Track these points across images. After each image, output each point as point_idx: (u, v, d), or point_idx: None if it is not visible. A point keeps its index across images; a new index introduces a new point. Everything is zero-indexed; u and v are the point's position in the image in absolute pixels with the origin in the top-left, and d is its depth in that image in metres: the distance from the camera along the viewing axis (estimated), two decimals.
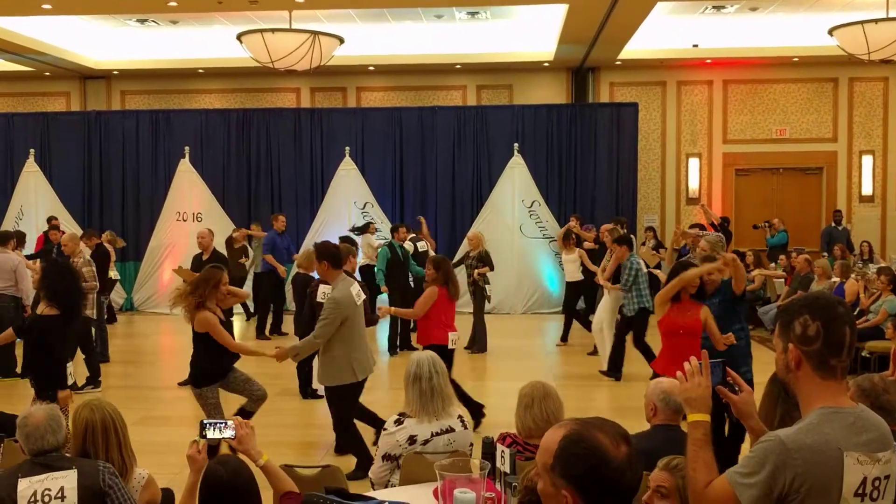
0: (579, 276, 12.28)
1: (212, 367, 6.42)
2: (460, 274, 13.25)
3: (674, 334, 6.18)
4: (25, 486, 3.39)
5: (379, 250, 11.93)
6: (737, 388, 2.71)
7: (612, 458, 1.92)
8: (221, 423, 3.42)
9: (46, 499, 3.37)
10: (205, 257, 9.95)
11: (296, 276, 9.74)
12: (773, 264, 14.71)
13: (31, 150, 16.34)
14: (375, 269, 11.74)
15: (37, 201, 16.10)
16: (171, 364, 11.56)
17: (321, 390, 7.78)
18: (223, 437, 3.42)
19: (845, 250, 14.24)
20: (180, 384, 9.54)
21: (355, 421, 6.54)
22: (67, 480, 3.42)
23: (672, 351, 6.12)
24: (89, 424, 3.64)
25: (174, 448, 7.20)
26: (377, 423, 6.51)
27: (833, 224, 16.60)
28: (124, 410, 8.46)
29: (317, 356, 6.67)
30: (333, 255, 6.38)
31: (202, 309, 6.28)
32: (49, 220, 14.52)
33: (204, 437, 3.40)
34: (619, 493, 1.94)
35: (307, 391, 9.08)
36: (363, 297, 6.52)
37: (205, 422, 3.44)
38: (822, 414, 2.35)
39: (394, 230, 12.39)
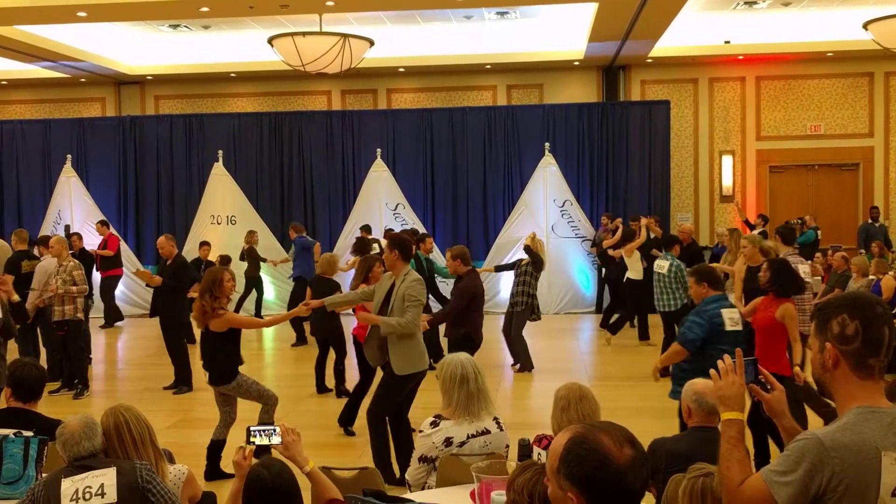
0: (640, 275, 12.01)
1: (233, 362, 6.54)
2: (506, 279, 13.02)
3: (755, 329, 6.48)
4: (68, 486, 3.52)
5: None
6: (769, 387, 2.71)
7: (614, 459, 1.94)
8: (269, 429, 3.47)
9: (87, 496, 3.48)
10: (168, 263, 10.01)
11: (314, 280, 9.86)
12: (808, 262, 14.51)
13: (68, 156, 16.59)
14: None
15: (73, 206, 16.35)
16: None
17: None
18: (270, 444, 3.47)
19: (883, 247, 14.03)
20: (168, 388, 9.78)
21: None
22: (107, 478, 3.53)
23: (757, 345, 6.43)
24: (105, 429, 3.77)
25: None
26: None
27: (870, 221, 16.37)
28: (164, 412, 8.62)
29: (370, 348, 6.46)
30: (403, 246, 6.39)
31: (218, 310, 6.37)
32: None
33: (251, 443, 3.45)
34: (623, 495, 1.96)
35: (341, 390, 9.15)
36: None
37: (252, 428, 3.50)
38: (860, 413, 2.34)
39: (419, 240, 11.89)
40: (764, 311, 6.47)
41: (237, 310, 14.94)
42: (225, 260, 13.05)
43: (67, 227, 15.36)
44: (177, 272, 9.88)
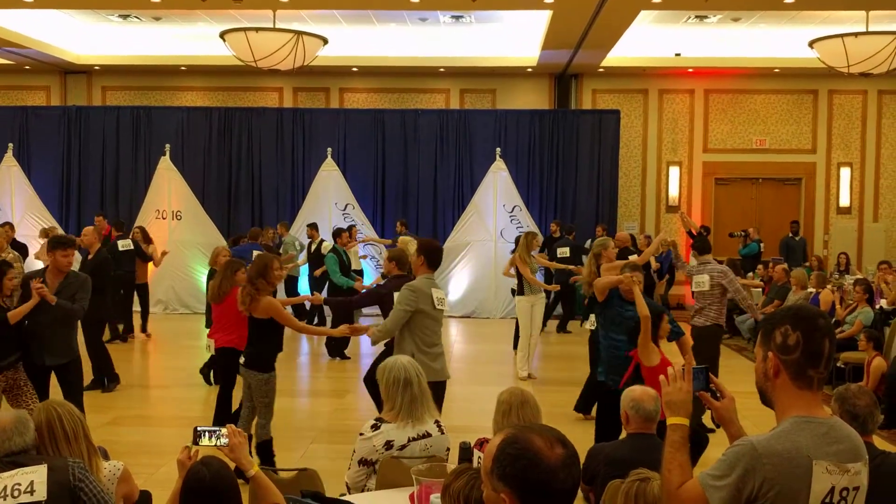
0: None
1: (271, 352, 6.41)
2: (454, 282, 13.19)
3: None
4: None
5: (327, 256, 11.43)
6: (719, 395, 2.76)
7: (545, 458, 1.96)
8: (215, 431, 3.45)
9: (16, 493, 3.40)
10: (90, 257, 9.59)
11: (209, 274, 9.84)
12: (750, 273, 14.81)
13: (10, 145, 16.19)
14: (334, 276, 11.08)
15: (14, 196, 15.96)
16: (145, 363, 11.50)
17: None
18: (217, 445, 3.44)
19: (822, 261, 14.34)
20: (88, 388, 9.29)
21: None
22: (37, 475, 3.45)
23: None
24: (36, 425, 3.70)
25: (148, 448, 7.19)
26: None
27: (790, 235, 16.66)
28: (98, 410, 8.44)
29: None
30: (430, 252, 6.29)
31: (262, 295, 6.28)
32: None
33: (197, 443, 3.43)
34: (554, 493, 1.98)
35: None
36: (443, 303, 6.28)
37: (199, 429, 3.47)
38: (795, 422, 2.40)
39: (336, 234, 12.07)
40: None
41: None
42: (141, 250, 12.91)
43: None
44: (96, 269, 9.25)
